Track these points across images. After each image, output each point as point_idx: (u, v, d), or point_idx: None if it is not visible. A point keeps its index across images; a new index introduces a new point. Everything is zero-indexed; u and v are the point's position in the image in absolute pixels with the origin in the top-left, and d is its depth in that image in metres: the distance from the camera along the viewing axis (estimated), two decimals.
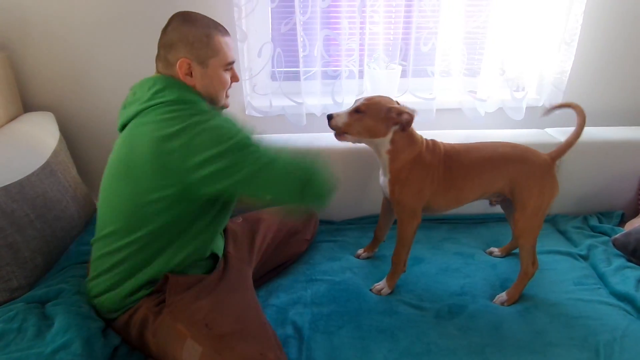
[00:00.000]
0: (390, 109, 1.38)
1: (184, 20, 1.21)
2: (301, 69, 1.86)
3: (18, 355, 1.05)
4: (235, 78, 1.32)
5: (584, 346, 1.30)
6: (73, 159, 1.79)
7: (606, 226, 1.87)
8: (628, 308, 1.44)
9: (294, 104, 1.92)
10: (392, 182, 1.45)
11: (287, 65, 1.93)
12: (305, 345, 1.30)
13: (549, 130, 2.00)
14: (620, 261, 1.64)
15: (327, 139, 1.91)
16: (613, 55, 2.01)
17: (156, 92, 1.18)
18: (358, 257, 1.71)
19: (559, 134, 1.94)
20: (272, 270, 1.63)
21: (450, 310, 1.45)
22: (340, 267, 1.64)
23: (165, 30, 1.22)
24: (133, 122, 1.18)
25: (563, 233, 1.88)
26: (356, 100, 1.43)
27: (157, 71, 1.24)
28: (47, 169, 1.55)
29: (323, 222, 1.90)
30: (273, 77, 1.94)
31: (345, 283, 1.56)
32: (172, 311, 1.19)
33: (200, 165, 1.09)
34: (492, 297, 1.50)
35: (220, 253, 1.38)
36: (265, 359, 1.11)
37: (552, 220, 1.97)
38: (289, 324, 1.38)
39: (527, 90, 1.98)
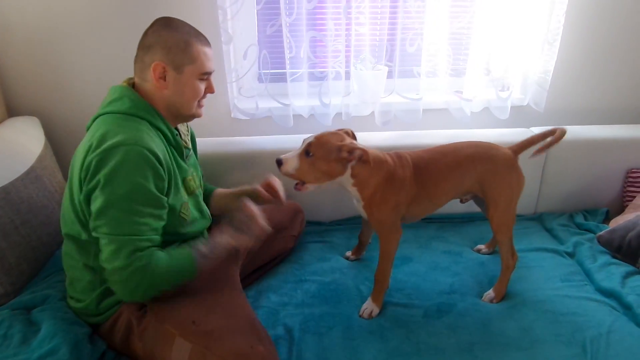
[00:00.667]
0: (340, 148, 1.31)
1: (165, 24, 1.22)
2: (287, 70, 1.86)
3: None
4: (210, 89, 1.31)
5: (570, 342, 1.31)
6: (59, 164, 1.78)
7: (591, 223, 1.90)
8: (614, 304, 1.46)
9: (281, 105, 1.92)
10: (368, 206, 1.43)
11: (274, 67, 1.93)
12: (295, 346, 1.31)
13: (534, 129, 2.02)
14: (605, 258, 1.66)
15: None
16: (595, 54, 2.04)
17: (111, 101, 1.20)
18: (347, 259, 1.71)
19: None
20: (259, 268, 1.63)
21: (439, 308, 1.46)
22: (330, 268, 1.64)
23: (146, 33, 1.22)
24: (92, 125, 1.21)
25: (549, 230, 1.90)
26: (304, 141, 1.37)
27: (134, 73, 1.25)
28: (32, 174, 1.53)
29: (311, 223, 1.90)
30: (259, 79, 1.94)
31: (334, 283, 1.57)
32: (157, 313, 1.19)
33: (88, 186, 1.12)
34: (480, 295, 1.52)
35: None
36: (256, 351, 1.11)
37: (539, 218, 1.99)
38: (279, 325, 1.38)
39: (512, 89, 2.00)
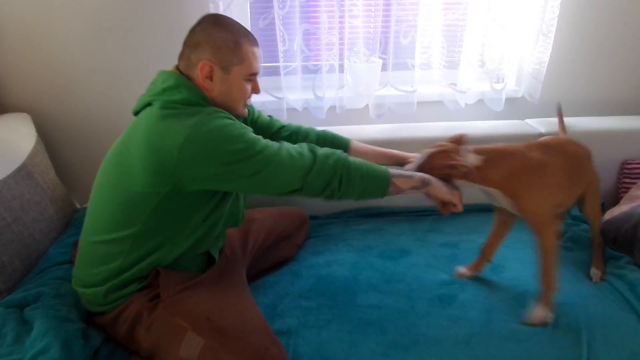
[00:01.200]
0: (444, 167, 1.33)
1: (215, 22, 1.18)
2: (281, 63, 1.85)
3: None
4: (256, 89, 1.28)
5: (567, 333, 1.31)
6: (51, 160, 1.76)
7: None
8: (609, 294, 1.46)
9: (275, 99, 1.90)
10: (510, 195, 1.34)
11: (267, 60, 1.91)
12: (293, 340, 1.30)
13: (529, 121, 2.02)
14: None
15: None
16: (590, 45, 2.04)
17: (166, 89, 1.16)
18: (461, 276, 1.55)
19: (539, 125, 1.96)
20: (258, 273, 1.61)
21: (441, 300, 1.45)
22: (325, 261, 1.63)
23: (193, 30, 1.19)
24: (142, 112, 1.18)
25: None
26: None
27: (177, 69, 1.21)
28: (24, 171, 1.51)
29: (312, 227, 1.89)
30: None
31: (331, 276, 1.56)
32: (169, 305, 1.17)
33: (197, 168, 1.09)
34: (480, 284, 1.51)
35: (216, 254, 1.35)
36: (270, 352, 1.11)
37: None
38: (277, 320, 1.37)
39: (507, 81, 1.99)
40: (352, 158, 1.23)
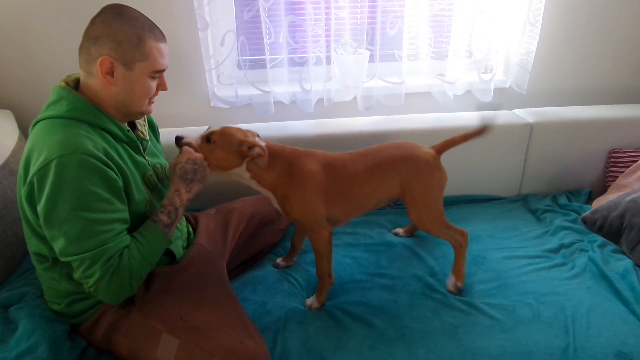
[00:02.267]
0: (242, 143, 1.29)
1: (117, 14, 1.09)
2: (267, 56, 1.83)
3: None
4: (163, 86, 1.21)
5: (552, 322, 1.32)
6: None
7: (575, 204, 1.91)
8: (595, 283, 1.47)
9: (261, 92, 1.88)
10: (280, 202, 1.38)
11: (252, 53, 1.89)
12: (280, 336, 1.30)
13: (517, 111, 2.01)
14: (588, 237, 1.68)
15: (296, 127, 1.89)
16: (577, 35, 2.03)
17: (49, 105, 1.11)
18: (276, 266, 1.61)
19: (527, 115, 1.96)
20: (245, 262, 1.62)
21: (423, 292, 1.46)
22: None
23: (93, 21, 1.10)
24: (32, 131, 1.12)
25: (533, 212, 1.91)
26: (208, 128, 1.33)
27: (79, 65, 1.14)
28: (6, 169, 1.49)
29: None
30: (238, 66, 1.90)
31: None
32: (142, 309, 1.17)
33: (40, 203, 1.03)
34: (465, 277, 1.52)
35: (177, 249, 1.34)
36: (245, 346, 1.10)
37: (523, 200, 2.00)
38: (266, 316, 1.37)
39: (495, 71, 1.98)
40: (129, 255, 1.10)
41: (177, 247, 1.35)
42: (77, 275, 1.06)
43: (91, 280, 1.05)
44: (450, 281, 1.47)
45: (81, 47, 1.11)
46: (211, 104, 1.92)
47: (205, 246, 1.42)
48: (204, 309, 1.19)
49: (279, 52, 1.84)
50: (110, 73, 1.10)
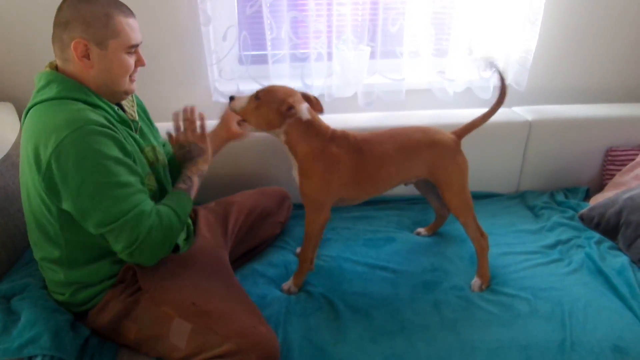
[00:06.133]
0: (283, 102, 1.32)
1: None
2: (269, 52, 1.83)
3: None
4: (140, 62, 1.21)
5: (550, 317, 1.34)
6: None
7: (572, 201, 1.92)
8: (592, 278, 1.49)
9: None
10: (300, 173, 1.41)
11: (254, 48, 1.89)
12: (281, 328, 1.31)
13: (515, 108, 2.03)
14: (586, 234, 1.70)
15: None
16: (577, 33, 2.04)
17: (39, 90, 1.12)
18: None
19: (526, 113, 1.98)
20: (245, 254, 1.63)
21: (425, 286, 1.47)
22: (319, 253, 1.64)
23: (60, 7, 1.10)
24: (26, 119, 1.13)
25: (531, 209, 1.93)
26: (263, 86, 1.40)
27: (55, 55, 1.15)
28: (8, 161, 1.49)
29: (297, 206, 1.89)
30: (240, 61, 1.91)
31: (318, 266, 1.57)
32: (153, 296, 1.17)
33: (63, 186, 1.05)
34: (463, 272, 1.53)
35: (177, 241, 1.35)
36: (258, 331, 1.11)
37: (521, 197, 2.01)
38: (266, 308, 1.38)
39: (495, 69, 1.99)
40: (164, 211, 1.15)
41: (179, 239, 1.36)
42: (119, 246, 1.08)
43: (130, 249, 1.07)
44: (476, 283, 1.48)
45: (53, 36, 1.12)
46: (213, 99, 1.92)
47: (208, 238, 1.43)
48: (215, 295, 1.20)
49: (281, 48, 1.84)
50: (87, 56, 1.11)
